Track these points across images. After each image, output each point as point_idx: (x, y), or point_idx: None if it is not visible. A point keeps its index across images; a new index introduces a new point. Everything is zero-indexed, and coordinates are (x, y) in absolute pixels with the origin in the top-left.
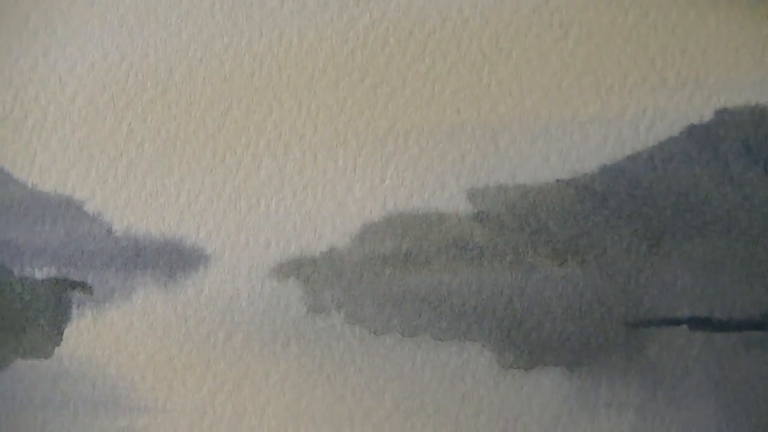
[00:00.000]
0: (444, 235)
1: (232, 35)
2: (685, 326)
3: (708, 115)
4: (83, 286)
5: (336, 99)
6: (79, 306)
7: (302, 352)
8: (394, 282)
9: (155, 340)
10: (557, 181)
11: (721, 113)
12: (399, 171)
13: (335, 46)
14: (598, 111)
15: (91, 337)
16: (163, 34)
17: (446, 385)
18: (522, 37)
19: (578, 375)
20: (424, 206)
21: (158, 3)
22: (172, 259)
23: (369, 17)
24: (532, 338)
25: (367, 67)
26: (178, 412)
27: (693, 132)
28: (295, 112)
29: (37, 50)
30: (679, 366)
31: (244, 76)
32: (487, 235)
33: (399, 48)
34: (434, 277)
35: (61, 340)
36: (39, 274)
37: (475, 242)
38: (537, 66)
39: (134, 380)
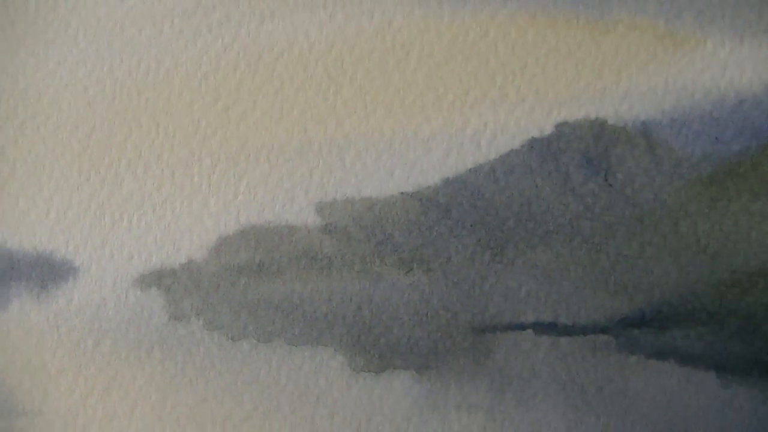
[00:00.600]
0: (294, 246)
1: (95, 63)
2: (530, 331)
3: (548, 129)
4: None
5: (191, 120)
6: None
7: (165, 357)
8: (249, 291)
9: (30, 347)
10: (401, 193)
11: (562, 126)
12: (251, 186)
13: (190, 71)
14: (440, 126)
15: None
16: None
17: (301, 388)
18: (365, 59)
19: (427, 378)
20: (275, 219)
21: None
22: (44, 272)
23: (221, 43)
24: (382, 343)
25: (220, 90)
26: (53, 415)
27: (534, 145)
28: (153, 134)
29: None
30: (526, 369)
31: (105, 101)
32: (336, 245)
33: (249, 71)
34: (286, 286)
35: None
36: None
37: (324, 253)
38: (380, 85)
39: (11, 385)
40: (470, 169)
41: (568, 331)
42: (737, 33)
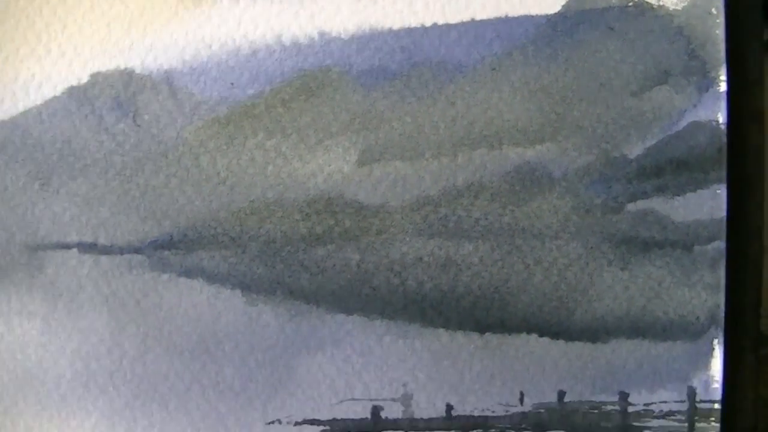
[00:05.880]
0: None
1: None
2: (75, 250)
3: (85, 78)
4: None
5: None
6: None
7: None
8: None
9: None
10: None
11: (96, 76)
12: None
13: None
14: None
15: None
16: None
17: None
18: None
19: None
20: None
21: None
22: None
23: None
24: None
25: None
26: None
27: (73, 92)
28: None
29: None
30: (73, 283)
31: None
32: None
33: None
34: None
35: None
36: None
37: None
38: None
39: None
40: (21, 113)
41: (107, 250)
42: None
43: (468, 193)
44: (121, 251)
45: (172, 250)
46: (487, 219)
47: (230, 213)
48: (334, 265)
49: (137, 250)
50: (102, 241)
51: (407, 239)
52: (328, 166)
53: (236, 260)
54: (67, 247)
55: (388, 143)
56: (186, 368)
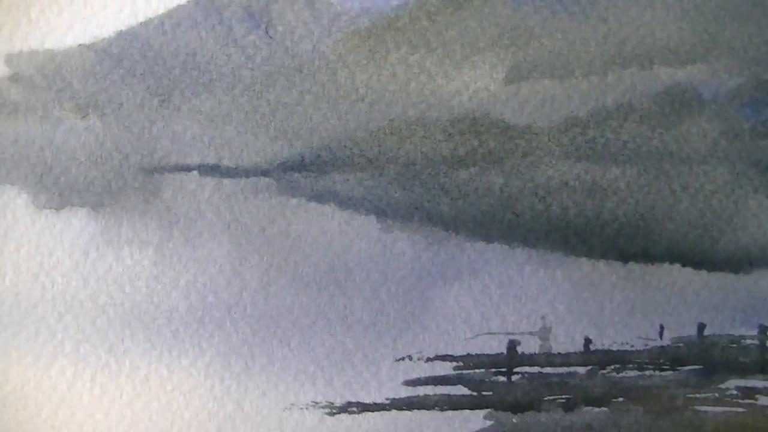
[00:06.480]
0: None
1: None
2: (195, 172)
3: None
4: None
5: None
6: None
7: None
8: None
9: None
10: (79, 45)
11: None
12: None
13: None
14: None
15: None
16: None
17: None
18: None
19: (102, 215)
20: None
21: None
22: None
23: None
24: (61, 182)
25: None
26: None
27: (199, 1)
28: None
29: None
30: (192, 208)
31: None
32: (22, 93)
33: None
34: None
35: None
36: None
37: (11, 100)
38: None
39: None
40: (141, 23)
41: (231, 173)
42: None
43: (617, 114)
44: (247, 174)
45: (303, 172)
46: (635, 142)
47: (368, 133)
48: (476, 189)
49: (264, 173)
50: (226, 162)
51: (553, 162)
52: (474, 83)
53: (372, 183)
54: (187, 169)
55: (537, 60)
56: (312, 301)
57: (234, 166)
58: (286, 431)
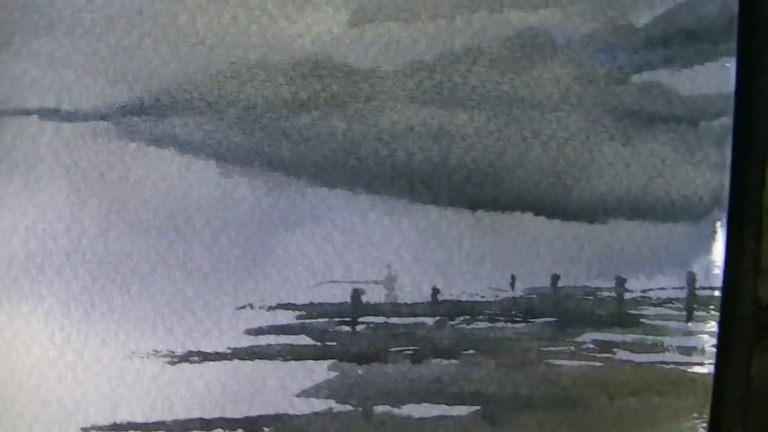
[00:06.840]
0: None
1: None
2: (35, 116)
3: None
4: None
5: None
6: None
7: None
8: None
9: None
10: None
11: None
12: None
13: None
14: None
15: None
16: None
17: None
18: None
19: None
20: None
21: None
22: None
23: None
24: None
25: None
26: None
27: None
28: None
29: None
30: (31, 153)
31: None
32: None
33: None
34: None
35: None
36: None
37: None
38: None
39: None
40: None
41: (71, 117)
42: None
43: (465, 58)
44: (86, 117)
45: (142, 116)
46: (484, 87)
47: (208, 76)
48: (319, 134)
49: (104, 117)
50: (65, 106)
51: (398, 107)
52: (317, 26)
53: (212, 127)
54: (26, 113)
55: (382, 3)
56: (151, 247)
57: (73, 110)
58: (127, 380)
